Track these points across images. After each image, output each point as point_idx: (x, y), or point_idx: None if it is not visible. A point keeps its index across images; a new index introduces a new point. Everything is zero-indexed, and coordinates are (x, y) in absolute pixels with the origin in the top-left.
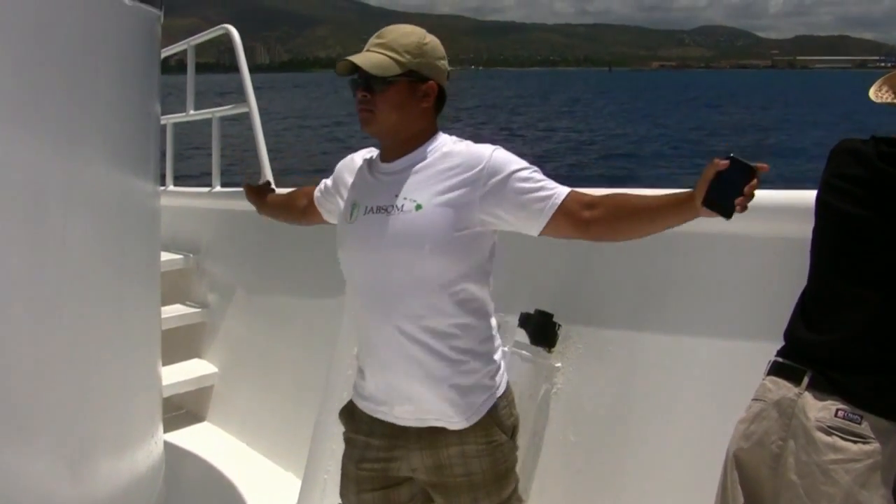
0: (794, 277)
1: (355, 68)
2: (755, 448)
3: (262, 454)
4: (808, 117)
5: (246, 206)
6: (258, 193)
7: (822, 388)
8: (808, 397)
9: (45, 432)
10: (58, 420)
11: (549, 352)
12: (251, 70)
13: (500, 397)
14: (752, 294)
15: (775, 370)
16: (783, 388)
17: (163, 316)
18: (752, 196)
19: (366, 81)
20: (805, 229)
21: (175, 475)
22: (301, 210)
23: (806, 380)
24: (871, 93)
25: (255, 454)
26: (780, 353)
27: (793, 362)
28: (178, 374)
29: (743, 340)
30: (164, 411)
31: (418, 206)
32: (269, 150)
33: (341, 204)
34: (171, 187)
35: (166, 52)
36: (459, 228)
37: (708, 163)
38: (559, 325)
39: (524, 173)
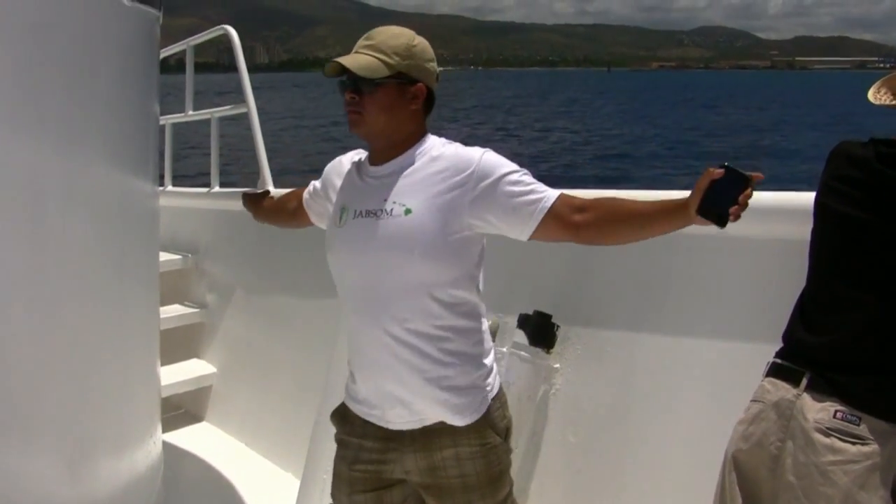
0: (792, 279)
1: (344, 70)
2: (754, 449)
3: (261, 454)
4: (806, 118)
5: None
6: (255, 201)
7: (820, 389)
8: (807, 399)
9: (43, 432)
10: (57, 420)
11: (548, 353)
12: (250, 70)
13: (493, 399)
14: (750, 295)
15: (774, 371)
16: (782, 390)
17: (162, 316)
18: (746, 205)
19: (354, 83)
20: (804, 231)
21: (174, 475)
22: (291, 212)
23: (804, 381)
24: (870, 94)
25: (253, 454)
26: (778, 355)
27: (791, 364)
28: (177, 375)
29: (742, 342)
30: (163, 411)
31: (408, 211)
32: (267, 150)
33: (330, 207)
34: (170, 188)
35: (165, 53)
36: (449, 232)
37: (703, 171)
38: (558, 326)
39: (514, 176)
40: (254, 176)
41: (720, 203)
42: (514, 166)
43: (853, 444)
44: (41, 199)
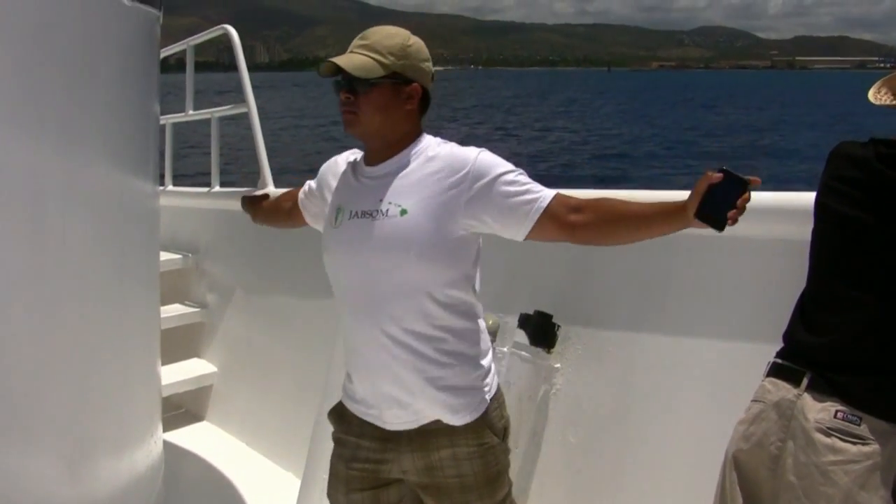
0: (793, 279)
1: (338, 70)
2: (754, 449)
3: (262, 454)
4: (805, 118)
5: None
6: (253, 203)
7: (821, 389)
8: (808, 399)
9: (44, 432)
10: (57, 419)
11: (549, 352)
12: (250, 69)
13: (491, 400)
14: (751, 295)
15: (775, 371)
16: (782, 390)
17: (162, 315)
18: (744, 209)
19: (349, 83)
20: (804, 231)
21: (174, 475)
22: (287, 212)
23: (805, 381)
24: (871, 94)
25: (254, 454)
26: (779, 355)
27: (792, 364)
28: (178, 374)
29: (742, 342)
30: (164, 411)
31: (403, 211)
32: (266, 150)
33: (325, 207)
34: (171, 187)
35: (165, 52)
36: (445, 233)
37: (701, 171)
38: (558, 326)
39: (509, 176)
40: (254, 175)
41: (718, 207)
42: (510, 166)
43: (854, 444)
44: (42, 198)
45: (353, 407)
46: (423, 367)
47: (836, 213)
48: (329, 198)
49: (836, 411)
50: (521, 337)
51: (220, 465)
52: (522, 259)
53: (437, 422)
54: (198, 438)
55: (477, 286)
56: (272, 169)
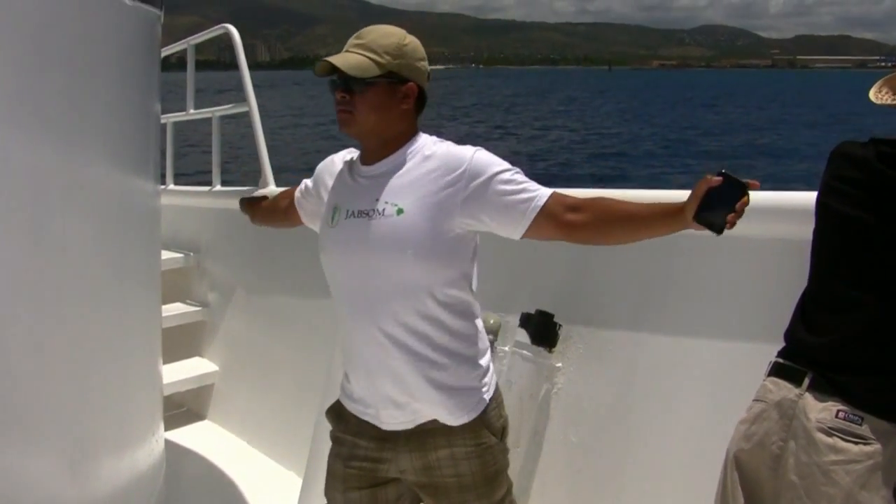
0: (794, 279)
1: (334, 69)
2: (756, 449)
3: (263, 453)
4: (804, 118)
5: None
6: (251, 205)
7: (822, 389)
8: (809, 398)
9: (45, 431)
10: (58, 419)
11: (550, 352)
12: (251, 67)
13: (489, 399)
14: (752, 295)
15: (776, 371)
16: (784, 389)
17: (163, 314)
18: (742, 213)
19: (345, 82)
20: (805, 231)
21: (176, 474)
22: (283, 211)
23: (807, 381)
24: (872, 94)
25: (255, 452)
26: (780, 354)
27: (793, 363)
28: (179, 373)
29: (743, 341)
30: (165, 410)
31: (399, 211)
32: (267, 148)
33: (321, 206)
34: (172, 186)
35: (166, 52)
36: (441, 232)
37: (700, 170)
38: (560, 326)
39: (506, 175)
40: (254, 174)
41: (717, 211)
42: (506, 165)
43: (855, 443)
44: (43, 198)
45: (350, 406)
46: (421, 367)
47: (837, 213)
48: (325, 197)
49: (838, 411)
50: (523, 336)
51: (222, 463)
52: (524, 258)
53: (434, 421)
54: (199, 437)
55: (474, 285)
56: (272, 167)
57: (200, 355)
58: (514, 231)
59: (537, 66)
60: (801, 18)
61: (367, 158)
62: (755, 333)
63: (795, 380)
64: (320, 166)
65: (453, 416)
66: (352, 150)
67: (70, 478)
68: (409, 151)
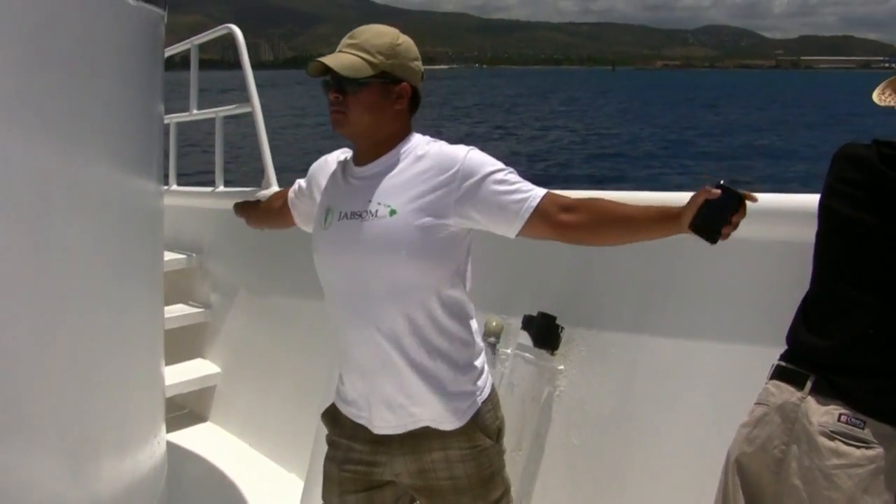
0: (796, 281)
1: (327, 69)
2: (758, 452)
3: (265, 455)
4: (805, 118)
5: None
6: (246, 208)
7: (825, 392)
8: (812, 402)
9: (47, 432)
10: (60, 420)
11: (553, 354)
12: (255, 67)
13: (483, 402)
14: (754, 297)
15: (778, 374)
16: (786, 393)
17: (166, 316)
18: (737, 226)
19: (338, 83)
20: (808, 233)
21: (177, 475)
22: (277, 211)
23: (809, 384)
24: (875, 96)
25: (257, 455)
26: (783, 357)
27: (796, 366)
28: (181, 374)
29: (745, 344)
30: (167, 411)
31: (392, 212)
32: (269, 148)
33: (314, 207)
34: (174, 187)
35: (169, 51)
36: (435, 233)
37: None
38: (562, 328)
39: (499, 175)
40: (256, 174)
41: (713, 221)
42: (500, 164)
43: (857, 447)
44: (46, 199)
45: (345, 409)
46: (416, 367)
47: (840, 215)
48: (318, 198)
49: (840, 414)
50: (525, 338)
51: (224, 465)
52: (526, 260)
53: (427, 427)
54: (201, 439)
55: (468, 285)
56: (274, 167)
57: (202, 357)
58: (507, 231)
59: (541, 66)
60: (804, 19)
61: (360, 159)
62: (757, 336)
63: (798, 383)
64: (314, 166)
65: (446, 420)
66: (346, 150)
67: (72, 479)
68: (402, 152)
